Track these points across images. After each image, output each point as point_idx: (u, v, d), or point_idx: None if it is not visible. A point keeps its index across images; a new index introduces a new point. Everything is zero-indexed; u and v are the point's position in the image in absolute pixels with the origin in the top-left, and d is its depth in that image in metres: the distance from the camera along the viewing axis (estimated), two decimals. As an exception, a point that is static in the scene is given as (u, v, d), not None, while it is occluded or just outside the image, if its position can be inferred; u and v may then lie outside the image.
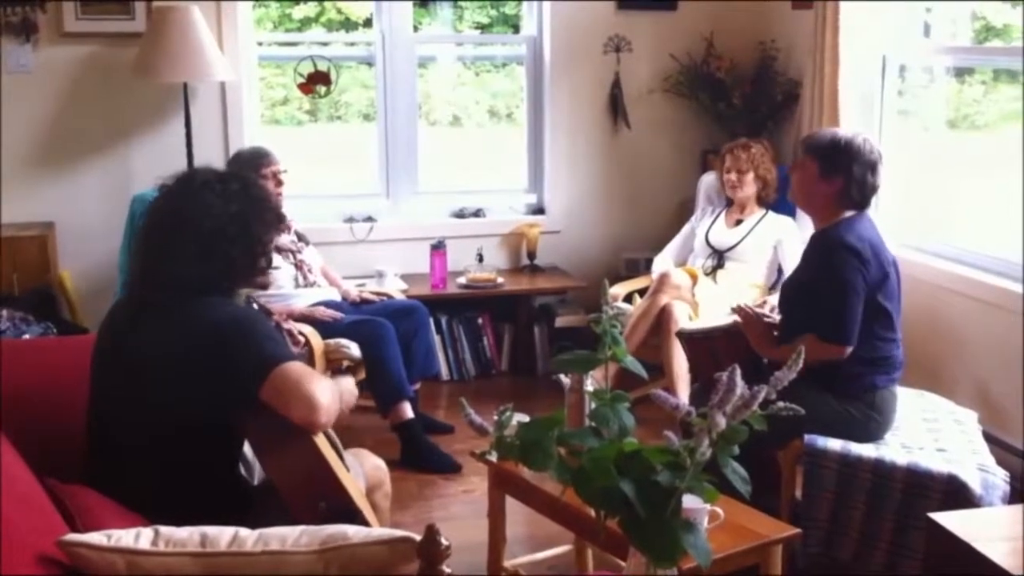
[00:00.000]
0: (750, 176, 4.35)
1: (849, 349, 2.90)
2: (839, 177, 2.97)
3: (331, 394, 2.13)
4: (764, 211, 4.40)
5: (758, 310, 3.16)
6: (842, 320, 2.89)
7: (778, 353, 2.98)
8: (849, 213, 3.00)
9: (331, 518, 1.88)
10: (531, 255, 5.09)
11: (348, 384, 2.38)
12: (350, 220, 4.96)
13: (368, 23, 5.11)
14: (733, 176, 4.36)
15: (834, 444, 2.85)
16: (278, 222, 2.39)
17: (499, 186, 5.38)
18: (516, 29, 5.34)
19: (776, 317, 3.14)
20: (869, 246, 2.92)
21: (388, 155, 5.04)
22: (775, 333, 3.07)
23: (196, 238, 2.19)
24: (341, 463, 2.23)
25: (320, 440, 2.15)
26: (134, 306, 2.26)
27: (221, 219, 2.20)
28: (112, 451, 2.19)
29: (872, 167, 2.97)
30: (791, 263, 3.91)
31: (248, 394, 2.10)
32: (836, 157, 2.98)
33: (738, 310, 3.12)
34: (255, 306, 3.52)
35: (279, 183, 4.03)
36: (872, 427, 2.96)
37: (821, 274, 2.94)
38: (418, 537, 1.64)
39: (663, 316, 4.14)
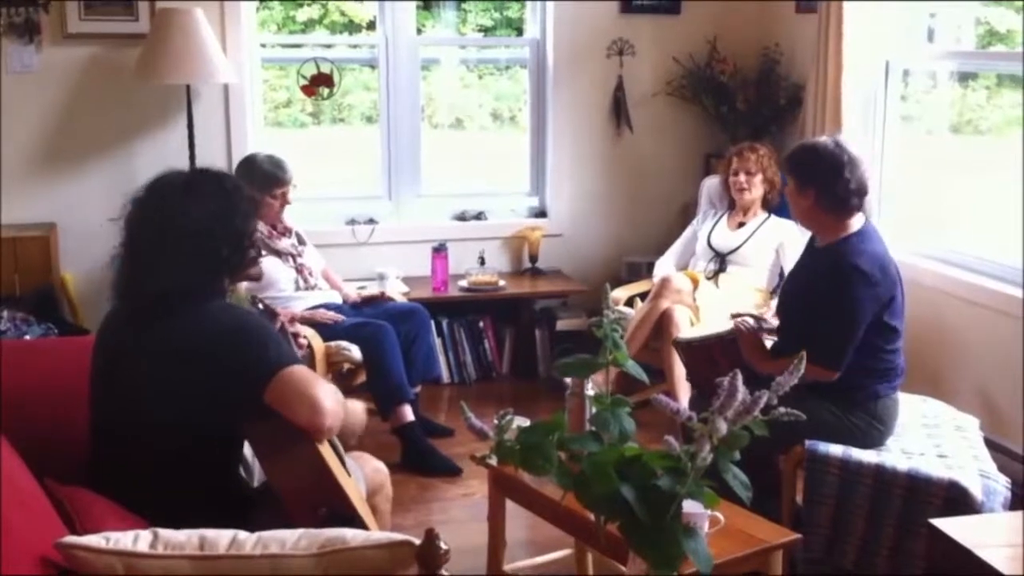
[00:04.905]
0: (758, 178, 4.33)
1: (838, 375, 2.88)
2: (810, 188, 2.94)
3: (335, 399, 2.13)
4: (767, 215, 4.39)
5: (753, 323, 3.13)
6: (838, 348, 2.86)
7: (770, 367, 2.93)
8: (855, 227, 2.95)
9: (331, 523, 1.88)
10: (533, 258, 5.09)
11: (356, 407, 2.38)
12: (352, 222, 4.95)
13: (371, 25, 5.11)
14: (742, 178, 4.33)
15: (835, 450, 2.85)
16: (256, 208, 2.36)
17: (501, 189, 5.38)
18: (519, 32, 5.34)
19: (774, 323, 3.12)
20: (879, 268, 2.87)
21: (391, 157, 5.03)
22: (774, 338, 3.06)
23: (183, 243, 2.17)
24: (342, 468, 2.23)
25: (322, 445, 2.14)
26: (131, 312, 2.24)
27: (204, 220, 2.18)
28: (113, 454, 2.19)
29: (837, 168, 2.89)
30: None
31: (253, 397, 2.09)
32: (804, 169, 2.96)
33: (736, 325, 3.10)
34: (260, 307, 3.52)
35: (286, 202, 4.04)
36: (874, 435, 2.95)
37: (827, 294, 2.88)
38: (417, 541, 1.64)
39: (664, 320, 4.13)
